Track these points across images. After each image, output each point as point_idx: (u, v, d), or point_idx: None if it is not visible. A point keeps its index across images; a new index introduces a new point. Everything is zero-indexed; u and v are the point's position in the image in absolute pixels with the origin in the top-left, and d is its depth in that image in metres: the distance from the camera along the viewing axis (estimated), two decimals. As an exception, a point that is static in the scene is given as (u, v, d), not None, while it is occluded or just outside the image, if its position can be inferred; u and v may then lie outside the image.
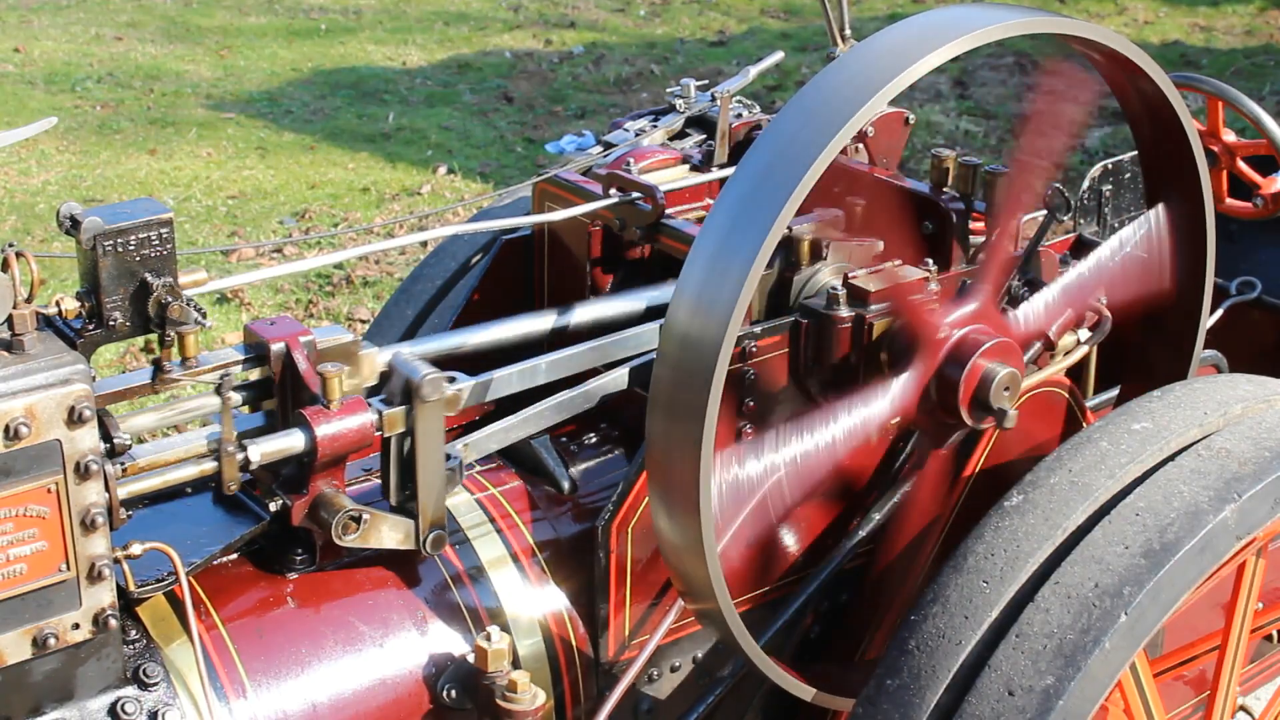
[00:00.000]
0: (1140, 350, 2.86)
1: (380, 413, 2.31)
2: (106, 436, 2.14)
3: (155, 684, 2.21)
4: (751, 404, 2.48)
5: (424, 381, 2.31)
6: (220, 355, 2.34)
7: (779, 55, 3.61)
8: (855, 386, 2.50)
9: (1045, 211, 2.69)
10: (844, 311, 2.47)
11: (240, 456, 2.24)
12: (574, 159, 3.14)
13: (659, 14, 12.06)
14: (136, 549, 2.19)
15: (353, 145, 8.83)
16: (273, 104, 9.67)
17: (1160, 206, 2.65)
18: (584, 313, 2.73)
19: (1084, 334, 2.72)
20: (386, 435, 2.33)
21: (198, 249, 4.79)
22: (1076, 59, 2.48)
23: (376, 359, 2.42)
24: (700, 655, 2.65)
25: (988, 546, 2.30)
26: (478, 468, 2.64)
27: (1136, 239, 2.64)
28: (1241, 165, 4.00)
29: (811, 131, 2.12)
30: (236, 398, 2.35)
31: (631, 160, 2.98)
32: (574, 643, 2.53)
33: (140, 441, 2.27)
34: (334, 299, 6.50)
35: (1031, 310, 2.54)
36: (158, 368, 2.23)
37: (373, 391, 2.42)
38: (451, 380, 2.39)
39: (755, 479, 2.37)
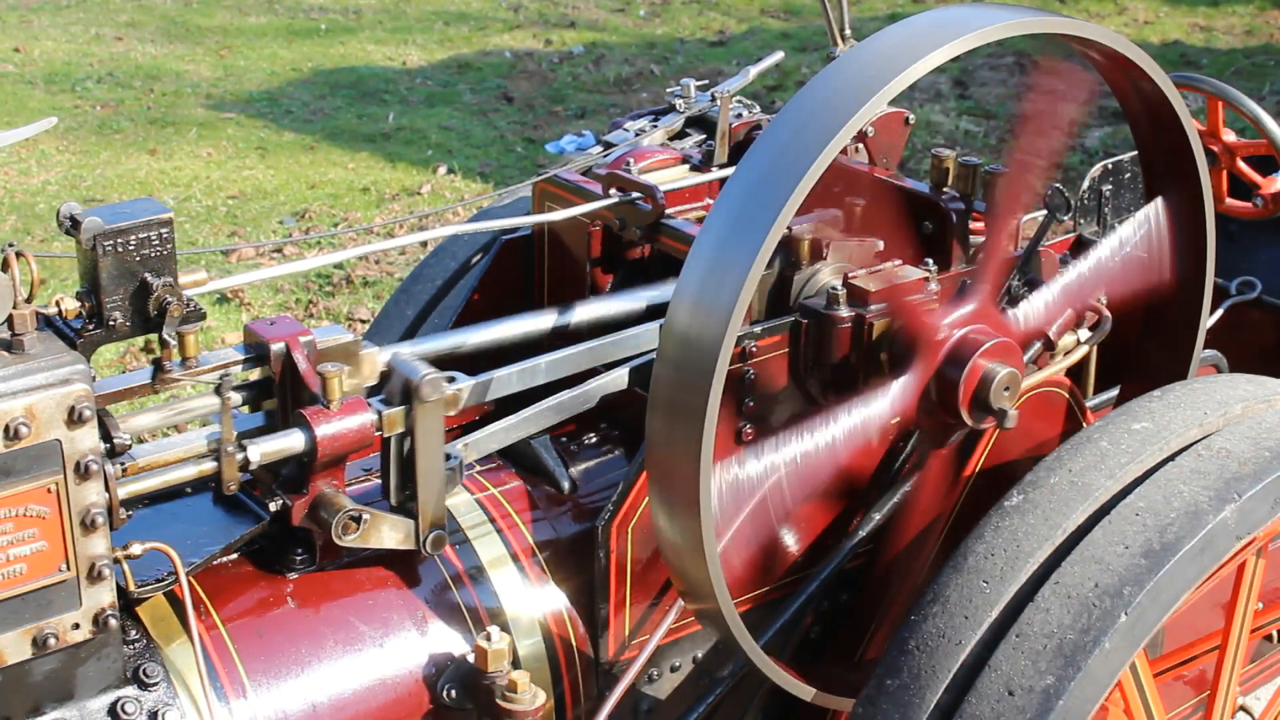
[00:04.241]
0: (1140, 350, 2.86)
1: (380, 413, 2.31)
2: (106, 436, 2.14)
3: (155, 684, 2.21)
4: (751, 404, 2.48)
5: (423, 382, 2.31)
6: (220, 355, 2.34)
7: (779, 55, 3.61)
8: (856, 387, 2.50)
9: (1045, 211, 2.69)
10: (844, 311, 2.47)
11: (240, 457, 2.24)
12: (574, 159, 3.14)
13: (659, 14, 12.06)
14: (136, 549, 2.19)
15: (353, 145, 8.83)
16: (273, 104, 9.67)
17: (1159, 201, 2.65)
18: (584, 312, 2.73)
19: (1084, 334, 2.72)
20: (386, 435, 2.34)
21: (198, 249, 4.78)
22: (1073, 58, 2.47)
23: (377, 358, 2.42)
24: (700, 655, 2.65)
25: (988, 546, 2.30)
26: (478, 467, 2.64)
27: (1136, 236, 2.65)
28: (1241, 165, 4.00)
29: (812, 132, 2.12)
30: (236, 398, 2.35)
31: (631, 160, 2.98)
32: (574, 643, 2.53)
33: (140, 441, 2.27)
34: (334, 299, 6.50)
35: (1031, 310, 2.54)
36: (158, 367, 2.23)
37: (372, 391, 2.42)
38: (451, 380, 2.39)
39: (756, 479, 2.37)
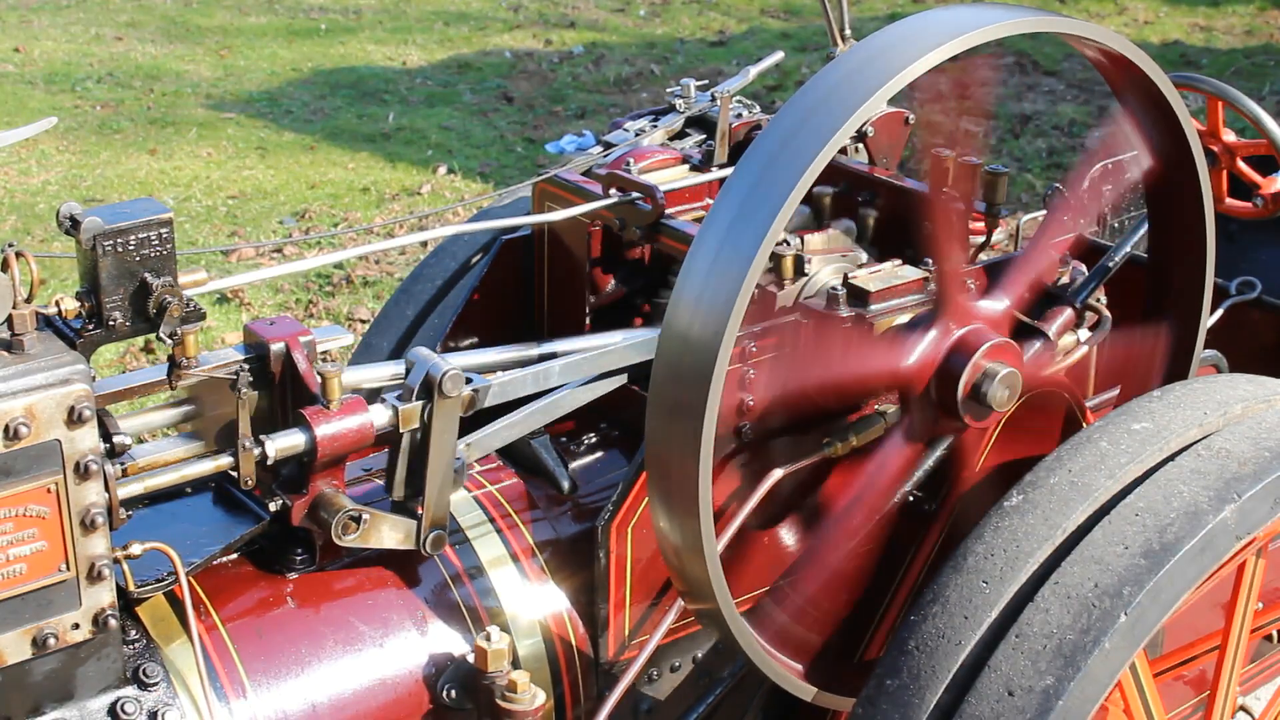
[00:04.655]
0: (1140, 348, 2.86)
1: (396, 408, 2.31)
2: (106, 436, 2.14)
3: (155, 684, 2.21)
4: (751, 404, 2.48)
5: (446, 377, 2.31)
6: (220, 355, 2.34)
7: (779, 55, 3.62)
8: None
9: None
10: (844, 311, 2.47)
11: (258, 452, 2.25)
12: (574, 159, 3.15)
13: (659, 14, 12.06)
14: (136, 549, 2.19)
15: (353, 145, 8.83)
16: (273, 104, 9.67)
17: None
18: (574, 344, 2.73)
19: (1084, 334, 2.72)
20: (401, 431, 2.33)
21: (198, 249, 4.79)
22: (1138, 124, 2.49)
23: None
24: (700, 655, 2.65)
25: (988, 546, 2.30)
26: (478, 467, 2.64)
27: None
28: (1241, 165, 3.99)
29: (810, 131, 2.12)
30: (252, 394, 2.35)
31: (631, 160, 2.98)
32: (574, 643, 2.53)
33: (140, 442, 2.28)
34: (334, 299, 6.50)
35: (1002, 290, 2.53)
36: (174, 364, 2.23)
37: (373, 394, 2.42)
38: (468, 381, 2.39)
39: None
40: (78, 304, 2.14)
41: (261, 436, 2.26)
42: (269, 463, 2.26)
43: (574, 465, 2.69)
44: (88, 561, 2.08)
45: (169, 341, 2.18)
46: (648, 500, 2.33)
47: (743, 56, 10.42)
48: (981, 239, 2.74)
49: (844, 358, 2.45)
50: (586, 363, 2.59)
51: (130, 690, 2.20)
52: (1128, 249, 2.99)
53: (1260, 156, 3.93)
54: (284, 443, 2.27)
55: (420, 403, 2.32)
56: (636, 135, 3.20)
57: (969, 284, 2.50)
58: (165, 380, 2.25)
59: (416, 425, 2.33)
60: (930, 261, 2.59)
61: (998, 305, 2.47)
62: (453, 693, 2.39)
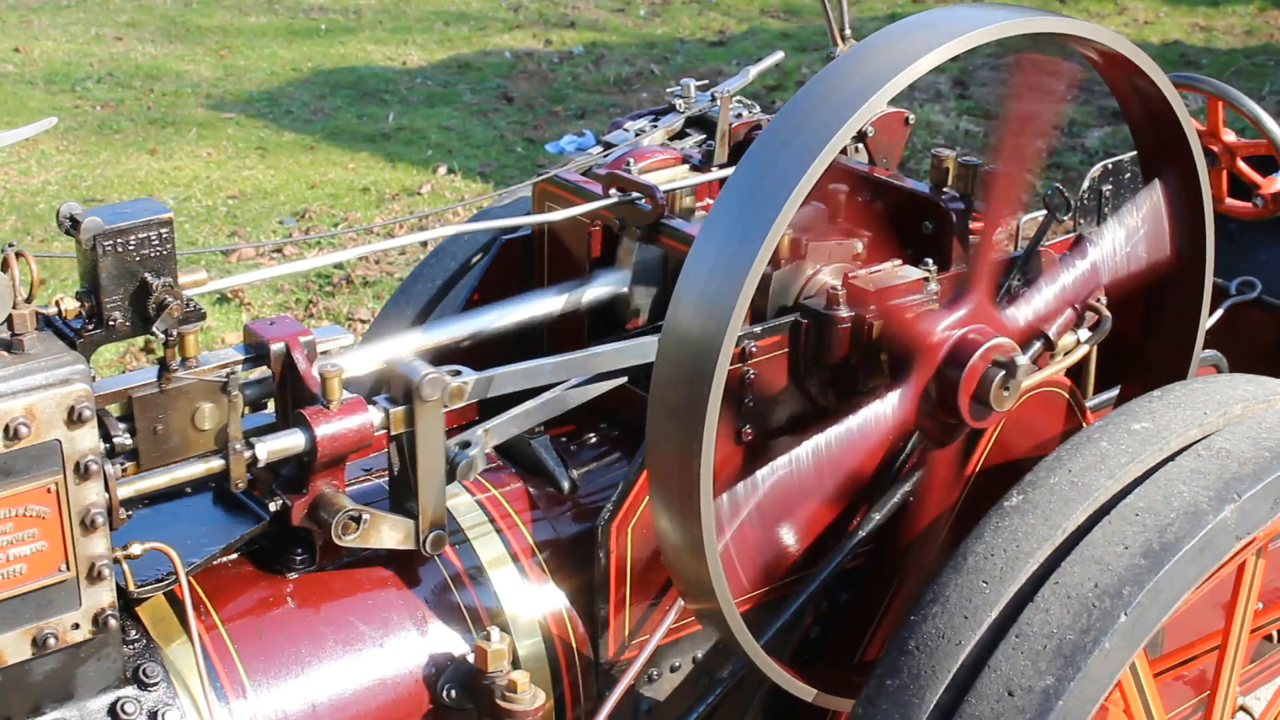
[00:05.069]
0: (1140, 350, 2.86)
1: (387, 411, 2.31)
2: (106, 436, 2.14)
3: (155, 684, 2.21)
4: (751, 403, 2.48)
5: (424, 382, 2.31)
6: (220, 355, 2.34)
7: (779, 55, 3.61)
8: (856, 387, 2.50)
9: (1045, 211, 2.68)
10: (843, 311, 2.47)
11: (248, 454, 2.25)
12: (574, 159, 3.14)
13: (659, 14, 12.06)
14: (136, 549, 2.19)
15: (353, 145, 8.83)
16: (273, 104, 9.67)
17: (1157, 184, 2.63)
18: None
19: (1084, 334, 2.72)
20: (393, 434, 2.34)
21: (198, 249, 4.79)
22: (1050, 54, 2.47)
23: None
24: (700, 655, 2.65)
25: (988, 546, 2.30)
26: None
27: (1135, 221, 2.63)
28: (1241, 165, 4.00)
29: (811, 131, 2.12)
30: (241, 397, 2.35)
31: (631, 160, 2.98)
32: (574, 643, 2.53)
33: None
34: (334, 299, 6.50)
35: (1029, 305, 2.53)
36: (164, 366, 2.23)
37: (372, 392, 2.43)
38: (457, 374, 2.40)
39: (756, 480, 2.37)
40: (78, 304, 2.14)
41: (253, 439, 2.26)
42: (260, 465, 2.26)
43: (574, 465, 2.69)
44: (88, 561, 2.07)
45: (163, 338, 2.18)
46: (648, 500, 2.33)
47: (743, 56, 10.42)
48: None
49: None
50: (575, 364, 2.58)
51: (130, 690, 2.20)
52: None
53: (1260, 156, 3.94)
54: (276, 445, 2.26)
55: (403, 408, 2.33)
56: (636, 135, 3.20)
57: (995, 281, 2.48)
58: (172, 382, 2.25)
59: (405, 429, 2.34)
60: (931, 261, 2.59)
61: (962, 310, 2.44)
62: (453, 693, 2.39)
